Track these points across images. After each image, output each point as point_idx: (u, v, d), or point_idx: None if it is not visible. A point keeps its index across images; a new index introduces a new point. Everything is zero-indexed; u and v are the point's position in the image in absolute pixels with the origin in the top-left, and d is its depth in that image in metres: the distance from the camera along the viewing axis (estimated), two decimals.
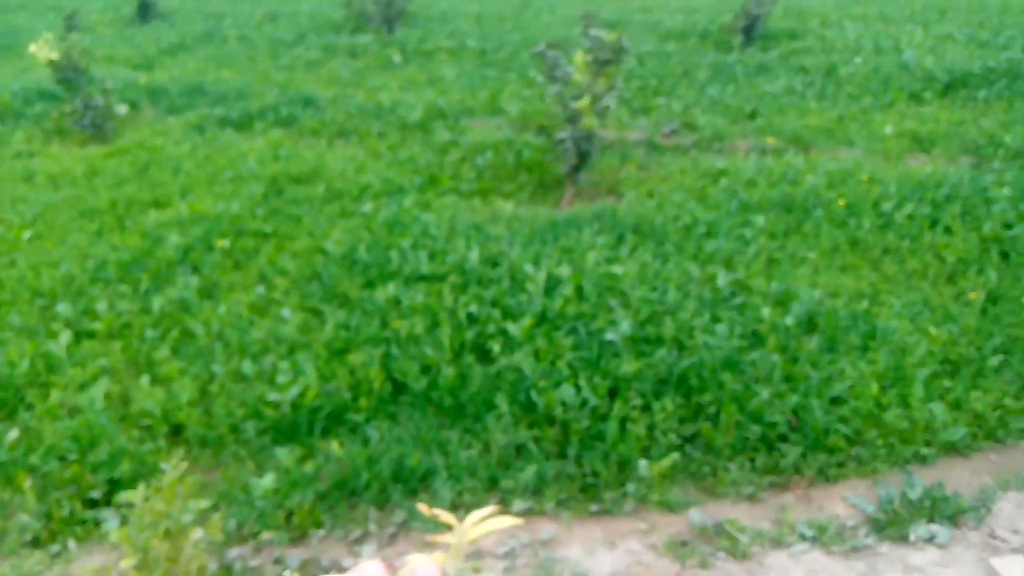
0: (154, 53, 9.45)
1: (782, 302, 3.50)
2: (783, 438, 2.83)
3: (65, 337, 3.52)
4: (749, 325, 3.30)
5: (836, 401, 2.96)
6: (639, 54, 7.96)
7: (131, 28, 10.90)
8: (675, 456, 2.70)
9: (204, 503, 2.42)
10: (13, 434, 3.02)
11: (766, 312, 3.33)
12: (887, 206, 4.38)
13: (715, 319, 3.34)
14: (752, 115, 6.30)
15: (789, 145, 5.66)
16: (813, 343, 3.20)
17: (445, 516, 0.70)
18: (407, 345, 3.29)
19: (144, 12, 11.20)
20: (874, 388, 2.96)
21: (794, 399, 2.88)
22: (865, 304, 3.52)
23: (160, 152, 5.81)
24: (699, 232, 4.16)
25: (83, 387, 3.25)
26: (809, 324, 3.36)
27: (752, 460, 2.77)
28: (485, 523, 0.69)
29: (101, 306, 3.73)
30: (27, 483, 2.77)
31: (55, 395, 3.19)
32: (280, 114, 6.52)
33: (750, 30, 8.28)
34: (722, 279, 3.59)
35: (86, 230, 4.63)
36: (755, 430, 2.79)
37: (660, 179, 5.04)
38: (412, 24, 10.01)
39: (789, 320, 3.30)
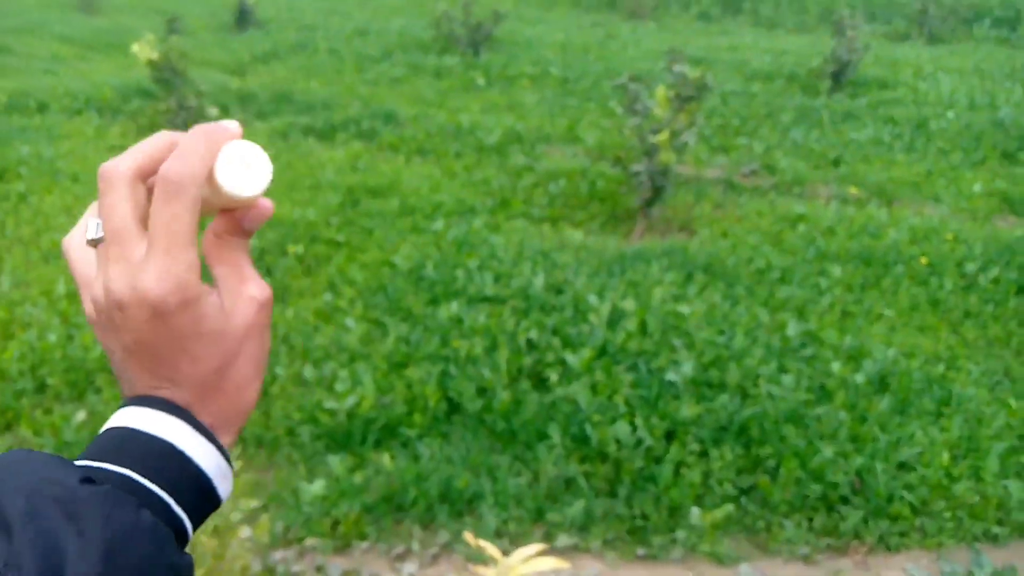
0: (248, 60, 9.83)
1: (854, 358, 3.38)
2: (844, 500, 2.72)
3: None
4: (817, 379, 3.19)
5: (903, 467, 2.82)
6: (723, 92, 7.88)
7: (228, 34, 11.37)
8: (730, 507, 2.62)
9: (254, 503, 2.47)
10: (81, 416, 3.13)
11: (836, 367, 3.22)
12: (971, 267, 4.20)
13: (782, 369, 3.25)
14: (836, 162, 6.15)
15: (872, 196, 5.49)
16: (883, 404, 3.08)
17: (491, 549, 0.68)
18: (465, 365, 3.29)
19: (242, 20, 11.69)
20: (945, 457, 2.82)
21: (859, 460, 2.77)
22: (941, 368, 3.36)
23: None
24: (772, 277, 4.06)
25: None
26: (881, 383, 3.23)
27: (810, 520, 2.67)
28: (530, 562, 0.67)
29: None
30: None
31: None
32: (362, 127, 6.68)
33: (839, 76, 8.11)
34: (793, 328, 3.49)
35: None
36: (815, 488, 2.69)
37: (735, 219, 4.96)
38: (498, 49, 10.15)
39: (860, 377, 3.18)
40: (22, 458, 0.42)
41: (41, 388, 3.33)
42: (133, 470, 0.43)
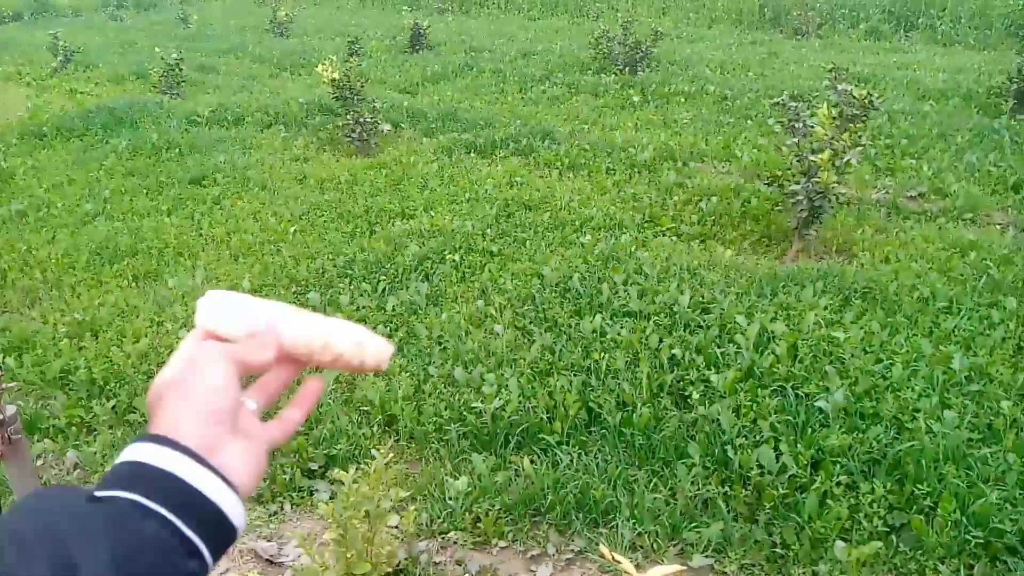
0: (419, 80, 10.40)
1: None
2: (1011, 550, 2.52)
3: None
4: (984, 417, 2.98)
5: None
6: (891, 111, 7.45)
7: (402, 56, 12.08)
8: (878, 544, 2.50)
9: (404, 493, 2.64)
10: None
11: (1006, 405, 2.99)
12: None
13: (944, 404, 3.05)
14: (1016, 187, 5.66)
15: None
16: None
17: (626, 564, 0.73)
18: (606, 377, 3.35)
19: (415, 42, 12.39)
20: None
21: None
22: None
23: (412, 169, 6.39)
24: (937, 307, 3.82)
25: (319, 368, 3.66)
26: None
27: (970, 567, 2.49)
28: None
29: (344, 299, 4.19)
30: None
31: None
32: (520, 144, 6.90)
33: None
34: (959, 362, 3.27)
35: (342, 231, 5.21)
36: (977, 534, 2.52)
37: (899, 244, 4.69)
38: (655, 68, 10.14)
39: None
40: (46, 491, 0.52)
41: None
42: (140, 495, 0.49)
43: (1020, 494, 2.63)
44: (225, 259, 4.95)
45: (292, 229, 5.29)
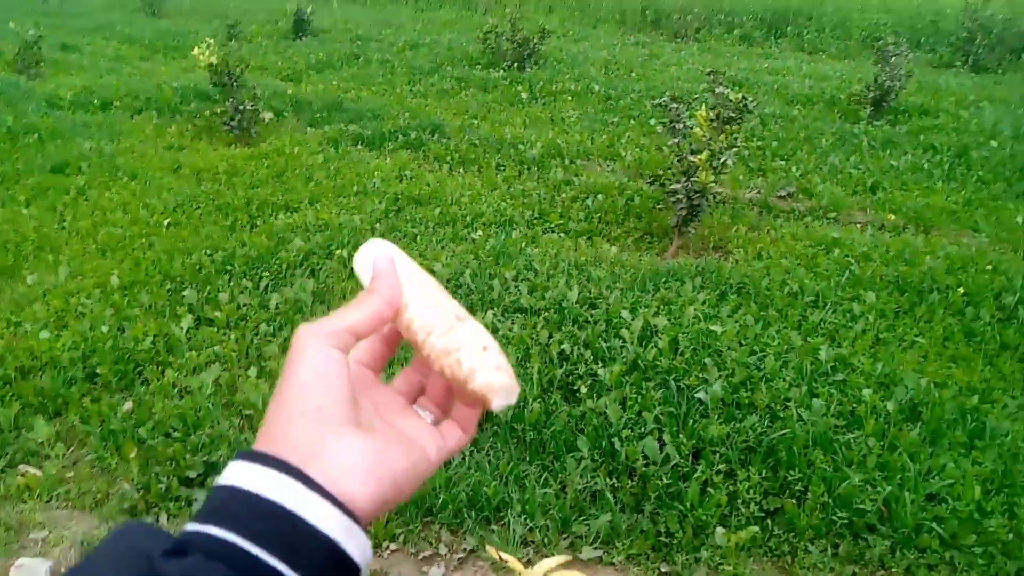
0: (303, 67, 10.07)
1: (885, 385, 3.37)
2: (871, 528, 2.72)
3: (187, 321, 3.79)
4: (848, 404, 3.20)
5: (933, 498, 2.81)
6: (762, 115, 7.88)
7: (285, 42, 11.67)
8: (755, 529, 2.64)
9: None
10: (127, 406, 3.27)
11: (867, 393, 3.22)
12: (1009, 299, 4.16)
13: (813, 393, 3.26)
14: (873, 188, 6.11)
15: (909, 223, 5.46)
16: (914, 433, 3.07)
17: (513, 562, 0.71)
18: None
19: (298, 28, 11.99)
20: (977, 491, 2.80)
21: (887, 488, 2.77)
22: (975, 400, 3.34)
23: (296, 160, 6.18)
24: (805, 301, 4.07)
25: (196, 371, 3.49)
26: (912, 413, 3.22)
27: (836, 546, 2.67)
28: (554, 573, 0.70)
29: (223, 296, 4.00)
30: (133, 454, 2.99)
31: (170, 375, 3.44)
32: (409, 137, 6.82)
33: (880, 102, 8.04)
34: (825, 353, 3.49)
35: (220, 224, 4.97)
36: (842, 515, 2.70)
37: (770, 242, 4.97)
38: (543, 65, 10.26)
39: (891, 405, 3.18)
40: (128, 529, 0.45)
41: (91, 377, 3.48)
42: (238, 533, 0.42)
43: (879, 475, 2.84)
44: (92, 254, 4.62)
45: (166, 222, 5.00)
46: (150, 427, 3.12)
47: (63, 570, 2.58)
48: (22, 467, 3.03)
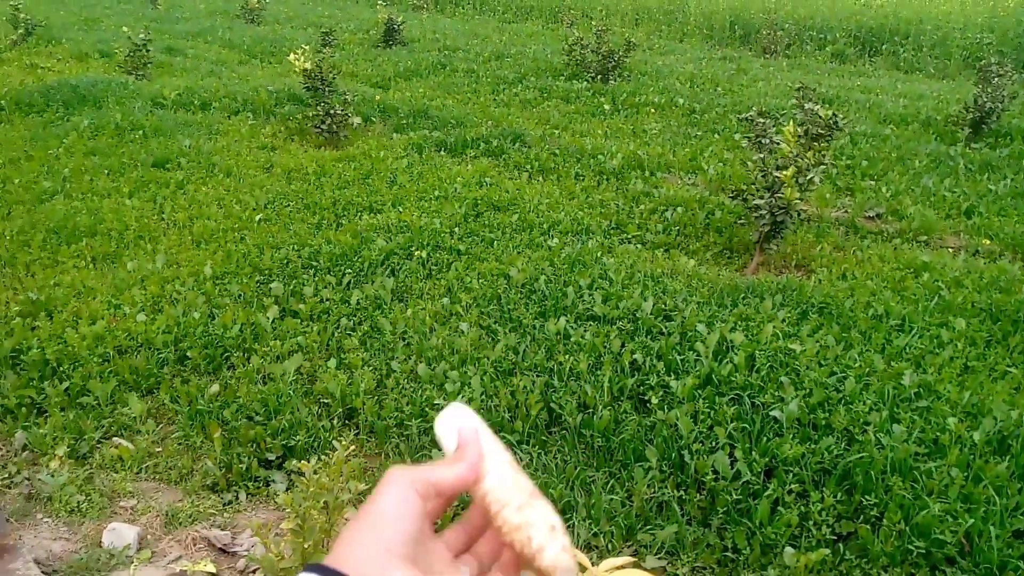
0: (391, 75, 10.35)
1: (972, 415, 3.23)
2: (951, 560, 2.61)
3: (273, 312, 3.95)
4: (931, 432, 3.08)
5: (1020, 535, 2.68)
6: (853, 133, 7.66)
7: (375, 50, 12.01)
8: (826, 552, 2.58)
9: (362, 486, 2.63)
10: (214, 388, 3.43)
11: (952, 422, 3.10)
12: None
13: (894, 418, 3.15)
14: (968, 213, 5.86)
15: (1006, 250, 5.21)
16: (1002, 466, 2.93)
17: (580, 557, 0.72)
18: (568, 379, 3.38)
19: (389, 38, 12.34)
20: None
21: (970, 521, 2.66)
22: None
23: (382, 163, 6.35)
24: (890, 324, 3.94)
25: (279, 359, 3.64)
26: (1000, 444, 3.08)
27: None
28: (618, 572, 0.71)
29: (308, 290, 4.15)
30: (217, 434, 3.14)
31: (255, 361, 3.59)
32: (491, 145, 6.92)
33: (980, 124, 7.70)
34: (908, 378, 3.37)
35: (308, 222, 5.17)
36: (919, 544, 2.60)
37: (856, 262, 4.82)
38: (627, 77, 10.25)
39: (977, 435, 3.04)
40: None
41: (182, 360, 3.67)
42: None
43: (961, 507, 2.73)
44: (187, 244, 4.87)
45: (257, 217, 5.23)
46: (234, 409, 3.27)
47: (148, 537, 2.73)
48: (116, 439, 3.22)
